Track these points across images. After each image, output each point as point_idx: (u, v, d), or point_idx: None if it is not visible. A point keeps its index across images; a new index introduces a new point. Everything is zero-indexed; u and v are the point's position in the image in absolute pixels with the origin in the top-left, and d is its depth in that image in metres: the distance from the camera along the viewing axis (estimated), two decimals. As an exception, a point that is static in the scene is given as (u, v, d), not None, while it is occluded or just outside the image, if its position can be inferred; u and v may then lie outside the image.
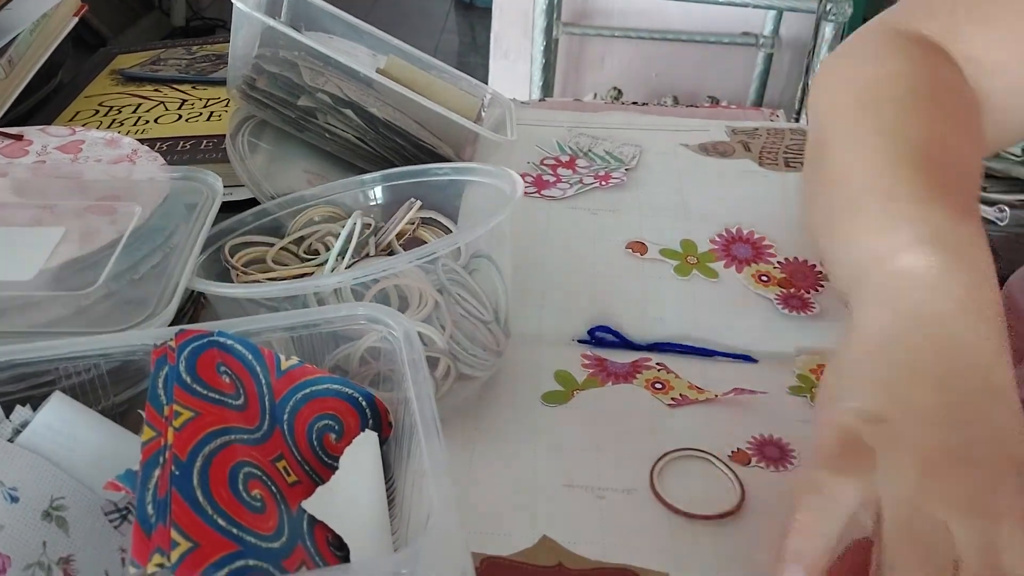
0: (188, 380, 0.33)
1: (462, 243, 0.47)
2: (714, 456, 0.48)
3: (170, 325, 0.43)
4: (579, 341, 0.57)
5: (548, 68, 1.69)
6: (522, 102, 0.90)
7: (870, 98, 0.45)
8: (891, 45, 0.47)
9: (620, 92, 1.83)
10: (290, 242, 0.55)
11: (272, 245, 0.54)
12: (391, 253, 0.53)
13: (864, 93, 0.45)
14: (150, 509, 0.28)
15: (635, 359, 0.55)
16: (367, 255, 0.52)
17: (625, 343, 0.57)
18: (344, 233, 0.52)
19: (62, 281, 0.46)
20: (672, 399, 0.52)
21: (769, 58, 1.88)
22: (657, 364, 0.55)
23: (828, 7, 1.51)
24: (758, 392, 0.52)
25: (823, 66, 0.50)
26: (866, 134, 0.43)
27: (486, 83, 0.77)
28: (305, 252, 0.54)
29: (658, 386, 0.53)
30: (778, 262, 0.62)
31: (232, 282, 0.50)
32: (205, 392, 0.34)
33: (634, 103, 0.99)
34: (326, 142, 0.65)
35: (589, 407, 0.50)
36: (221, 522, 0.29)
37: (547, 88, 1.71)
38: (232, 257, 0.52)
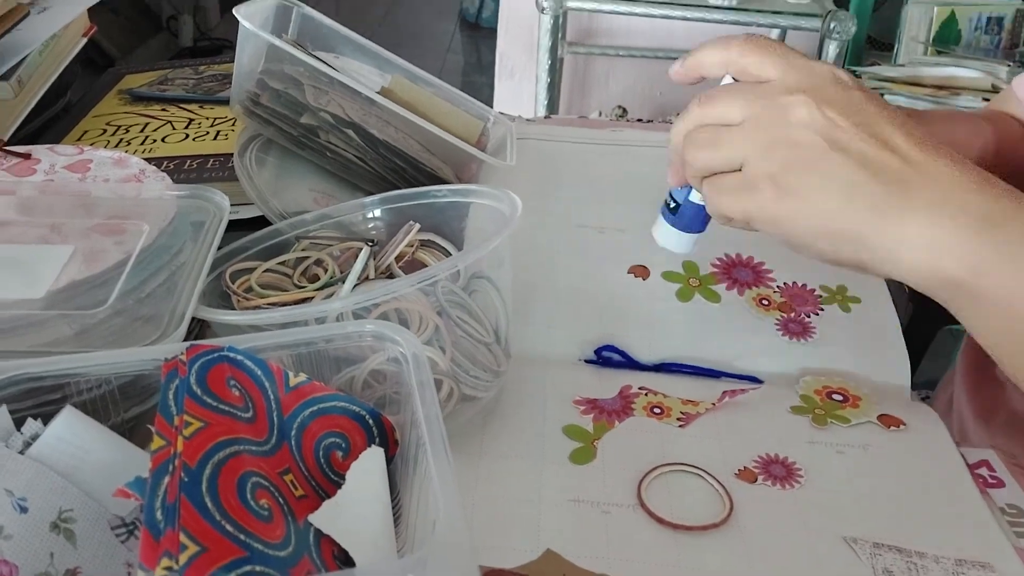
0: (198, 392, 0.34)
1: (461, 266, 0.48)
2: (702, 470, 0.48)
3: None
4: (586, 361, 0.58)
5: (553, 87, 1.70)
6: (527, 119, 0.90)
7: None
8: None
9: (625, 110, 1.84)
10: (288, 266, 0.55)
11: (274, 272, 0.55)
12: (390, 275, 0.54)
13: None
14: (159, 515, 0.29)
15: (621, 388, 0.55)
16: (367, 278, 0.52)
17: (631, 363, 0.57)
18: (357, 266, 0.52)
19: (71, 300, 0.46)
20: (679, 420, 0.52)
21: (772, 76, 1.89)
22: (641, 388, 0.55)
23: (832, 26, 1.52)
24: (748, 390, 0.54)
25: None
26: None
27: (491, 103, 0.77)
28: (302, 276, 0.54)
29: (657, 411, 0.53)
30: (777, 286, 0.62)
31: (234, 307, 0.51)
32: (215, 404, 0.34)
33: (639, 120, 1.00)
34: (327, 161, 0.66)
35: (613, 452, 0.50)
36: (229, 528, 0.29)
37: (552, 107, 1.72)
38: (234, 283, 0.52)
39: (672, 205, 0.53)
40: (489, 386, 0.50)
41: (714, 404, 0.53)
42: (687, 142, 0.47)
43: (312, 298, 0.51)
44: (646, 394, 0.54)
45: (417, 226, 0.55)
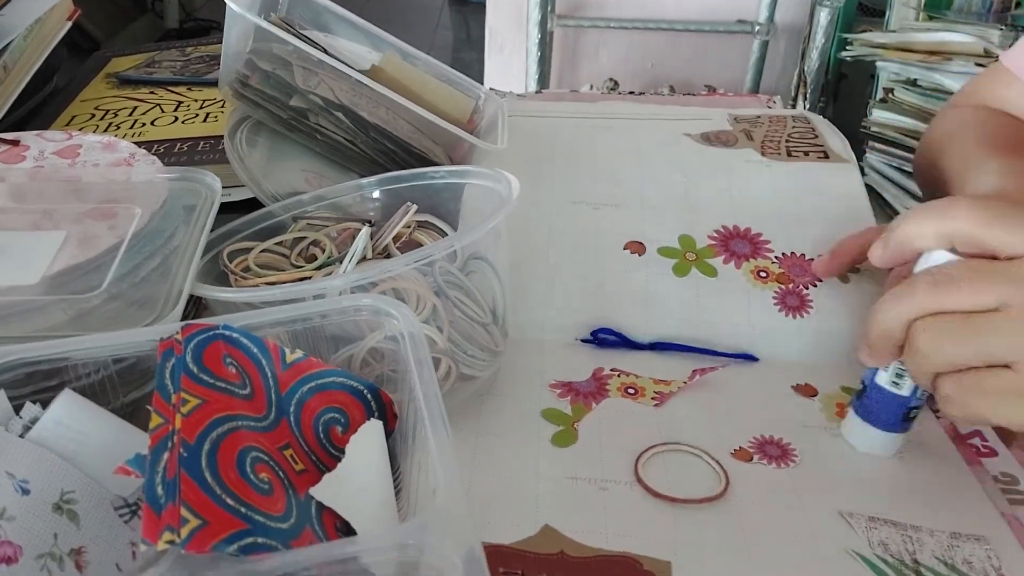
0: (195, 370, 0.34)
1: (458, 246, 0.48)
2: (699, 449, 0.48)
3: (175, 323, 0.43)
4: (582, 340, 0.58)
5: (543, 61, 1.69)
6: (518, 95, 0.90)
7: (968, 125, 0.68)
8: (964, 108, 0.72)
9: (616, 83, 1.83)
10: (285, 247, 0.55)
11: (271, 252, 0.54)
12: (387, 256, 0.54)
13: (963, 125, 0.68)
14: (160, 490, 0.29)
15: (594, 370, 0.55)
16: (364, 258, 0.52)
17: (627, 343, 0.57)
18: (358, 243, 0.52)
19: (65, 285, 0.46)
20: (653, 399, 0.52)
21: (765, 45, 1.88)
22: (613, 370, 0.55)
23: (822, -7, 1.51)
24: (718, 367, 0.55)
25: (938, 117, 0.76)
26: (966, 141, 0.63)
27: (482, 78, 0.77)
28: (300, 256, 0.54)
29: (631, 391, 0.53)
30: (776, 257, 0.62)
31: (231, 287, 0.51)
32: (212, 381, 0.34)
33: (631, 93, 1.00)
34: (317, 143, 0.65)
35: (596, 434, 0.50)
36: (230, 501, 0.29)
37: (543, 81, 1.72)
38: (231, 262, 0.52)
39: (859, 388, 0.47)
40: (486, 365, 0.50)
41: (685, 383, 0.53)
42: (919, 331, 0.41)
43: (310, 278, 0.51)
44: (619, 375, 0.55)
45: (414, 207, 0.55)
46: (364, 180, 0.59)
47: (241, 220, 0.56)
